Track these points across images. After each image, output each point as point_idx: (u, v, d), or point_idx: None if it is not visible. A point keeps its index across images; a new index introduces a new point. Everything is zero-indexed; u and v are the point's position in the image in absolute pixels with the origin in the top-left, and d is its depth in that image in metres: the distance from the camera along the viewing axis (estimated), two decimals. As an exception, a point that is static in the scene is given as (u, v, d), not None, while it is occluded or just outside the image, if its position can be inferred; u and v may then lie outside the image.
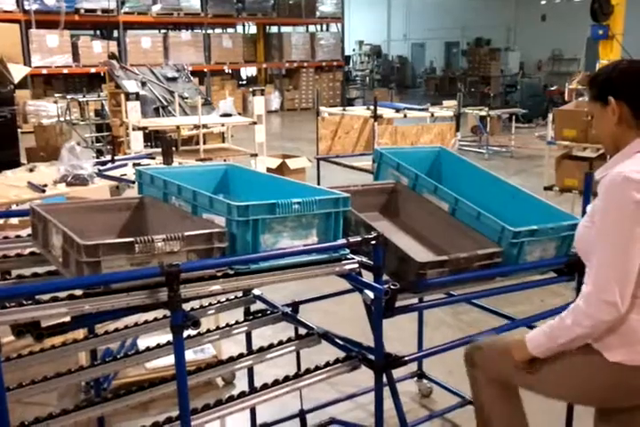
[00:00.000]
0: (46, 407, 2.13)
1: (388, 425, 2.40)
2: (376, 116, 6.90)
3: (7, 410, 1.65)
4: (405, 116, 7.46)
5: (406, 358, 2.29)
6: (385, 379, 2.27)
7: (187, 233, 1.85)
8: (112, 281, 1.73)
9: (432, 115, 7.77)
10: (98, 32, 19.19)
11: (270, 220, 1.96)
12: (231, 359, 2.34)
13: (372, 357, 2.28)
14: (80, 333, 2.85)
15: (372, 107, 7.18)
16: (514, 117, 12.23)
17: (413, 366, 3.61)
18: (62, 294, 1.74)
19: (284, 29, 20.07)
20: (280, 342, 2.45)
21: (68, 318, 1.83)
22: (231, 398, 2.10)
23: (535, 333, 1.98)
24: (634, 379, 1.86)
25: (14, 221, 3.80)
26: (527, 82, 17.05)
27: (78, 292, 1.77)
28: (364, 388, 3.33)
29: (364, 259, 2.15)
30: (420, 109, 7.99)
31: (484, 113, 11.76)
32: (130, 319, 2.53)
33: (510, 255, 2.29)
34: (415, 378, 3.62)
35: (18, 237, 2.34)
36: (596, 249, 1.81)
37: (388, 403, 2.37)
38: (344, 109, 8.40)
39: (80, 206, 2.31)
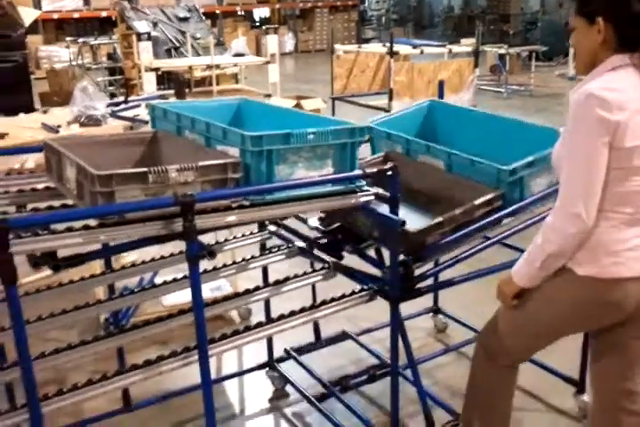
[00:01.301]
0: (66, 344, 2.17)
1: (403, 360, 2.43)
2: (392, 53, 6.74)
3: (27, 342, 1.67)
4: (422, 52, 7.29)
5: (422, 289, 2.29)
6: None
7: (201, 163, 1.83)
8: (126, 211, 1.72)
9: (450, 51, 7.58)
10: (107, -27, 18.74)
11: (285, 150, 1.93)
12: (247, 292, 2.36)
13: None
14: (97, 268, 2.90)
15: (388, 44, 7.01)
16: (534, 56, 11.92)
17: (429, 302, 3.64)
18: (77, 225, 1.75)
19: (298, -33, 19.47)
20: (296, 276, 2.47)
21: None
22: (248, 329, 2.12)
23: (517, 263, 2.00)
24: (605, 292, 1.88)
25: (31, 164, 3.81)
26: (548, 19, 16.53)
27: (93, 223, 1.77)
28: (380, 322, 3.37)
29: (381, 190, 2.13)
30: (437, 46, 7.80)
31: (503, 51, 11.46)
32: (147, 256, 2.56)
33: (514, 193, 2.25)
34: (431, 314, 3.66)
35: (32, 172, 2.34)
36: (564, 165, 1.84)
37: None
38: (359, 47, 8.21)
39: (94, 141, 2.29)
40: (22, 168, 3.93)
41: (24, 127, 4.06)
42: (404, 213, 2.32)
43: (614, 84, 1.78)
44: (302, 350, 3.20)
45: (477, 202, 2.23)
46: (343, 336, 3.33)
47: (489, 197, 2.25)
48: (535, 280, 1.96)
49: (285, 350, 3.18)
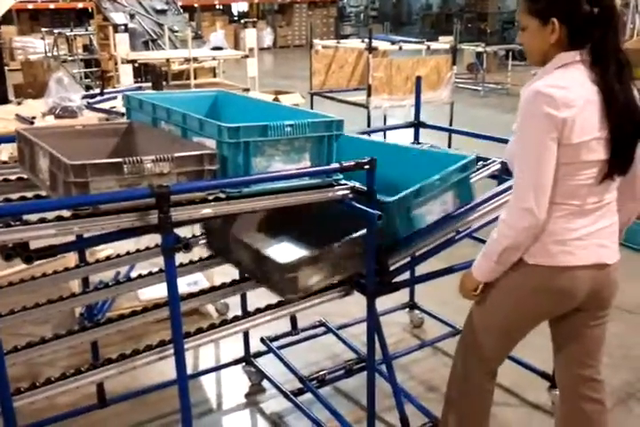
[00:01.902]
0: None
1: (379, 355, 2.43)
2: (371, 49, 6.73)
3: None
4: (401, 48, 7.30)
5: (398, 284, 2.29)
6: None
7: (177, 154, 1.81)
8: (101, 201, 1.69)
9: (428, 48, 7.60)
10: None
11: (262, 142, 1.91)
12: (223, 286, 2.34)
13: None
14: (72, 262, 2.86)
15: (366, 40, 7.01)
16: (510, 55, 12.00)
17: (405, 298, 3.65)
18: (51, 216, 1.71)
19: (277, -38, 19.41)
20: (273, 270, 2.45)
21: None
22: (224, 322, 2.10)
23: (477, 258, 2.03)
24: (555, 280, 1.92)
25: (4, 157, 3.74)
26: (525, 18, 16.63)
27: (67, 214, 1.74)
28: (355, 318, 3.37)
29: (357, 184, 2.12)
30: (415, 42, 7.82)
31: (480, 49, 11.53)
32: (122, 250, 2.53)
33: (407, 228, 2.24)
34: (407, 309, 3.67)
35: (5, 163, 2.29)
36: (515, 161, 1.87)
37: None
38: (338, 42, 8.20)
39: (67, 131, 2.25)
40: (-5, 160, 3.88)
41: (-2, 118, 3.98)
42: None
43: (562, 81, 1.81)
44: (279, 338, 3.20)
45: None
46: (320, 326, 3.33)
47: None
48: (493, 274, 1.99)
49: (262, 340, 3.17)
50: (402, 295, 3.57)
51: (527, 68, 13.54)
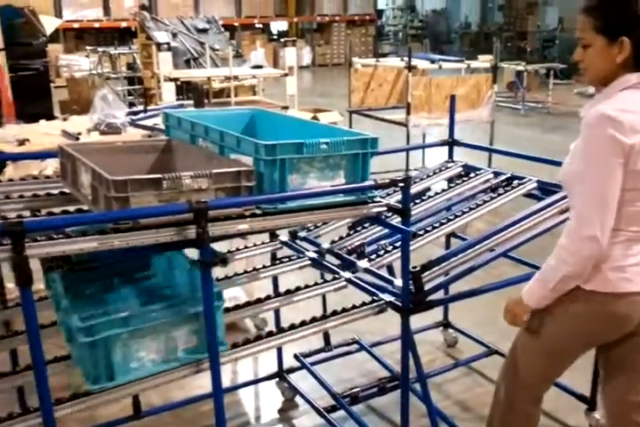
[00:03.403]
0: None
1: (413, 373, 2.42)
2: (410, 67, 6.75)
3: (41, 346, 1.68)
4: (440, 67, 7.30)
5: (432, 302, 2.28)
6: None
7: (215, 171, 1.85)
8: (141, 216, 1.73)
9: (468, 66, 7.59)
10: (128, -15, 18.99)
11: (298, 159, 1.94)
12: (259, 301, 2.36)
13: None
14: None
15: (405, 58, 7.03)
16: (552, 73, 11.90)
17: (439, 316, 3.62)
18: (92, 230, 1.76)
19: (316, -18, 19.65)
20: (307, 286, 2.47)
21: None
22: (259, 338, 2.12)
23: (529, 283, 1.98)
24: (612, 306, 1.88)
25: (49, 171, 3.85)
26: (566, 37, 16.52)
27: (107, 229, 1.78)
28: (389, 336, 3.36)
29: (392, 201, 2.14)
30: (455, 61, 7.81)
31: (520, 67, 11.46)
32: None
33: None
34: (441, 328, 3.64)
35: (47, 177, 2.36)
36: (577, 186, 1.82)
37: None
38: (377, 61, 8.24)
39: (108, 147, 2.31)
40: (40, 175, 3.99)
41: (45, 134, 4.12)
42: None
43: (628, 104, 1.76)
44: (312, 355, 3.20)
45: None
46: (353, 344, 3.32)
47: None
48: (546, 301, 1.94)
49: (295, 356, 3.18)
50: (436, 314, 3.55)
51: (569, 87, 13.43)
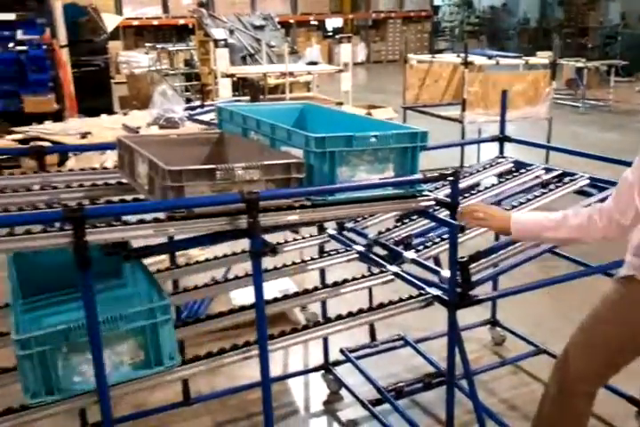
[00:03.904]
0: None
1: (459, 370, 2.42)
2: (467, 63, 6.70)
3: (98, 327, 1.76)
4: (498, 63, 7.22)
5: (480, 297, 2.28)
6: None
7: (266, 162, 1.89)
8: (195, 205, 1.80)
9: (526, 63, 7.48)
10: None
11: (347, 152, 1.97)
12: (306, 292, 2.41)
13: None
14: (164, 264, 3.00)
15: (462, 54, 6.98)
16: (613, 70, 11.60)
17: (486, 314, 3.60)
18: (148, 218, 1.83)
19: (372, -21, 19.61)
20: (354, 278, 2.50)
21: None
22: (306, 327, 2.16)
23: (529, 216, 2.08)
24: None
25: (109, 164, 3.99)
26: (629, 33, 16.05)
27: (162, 217, 1.85)
28: (435, 332, 3.36)
29: (441, 195, 2.14)
30: (513, 57, 7.71)
31: (580, 64, 11.21)
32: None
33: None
34: (488, 326, 3.62)
35: (105, 168, 2.45)
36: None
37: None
38: (433, 57, 8.20)
39: (163, 139, 2.39)
40: (100, 167, 4.13)
41: (106, 128, 4.26)
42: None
43: None
44: (357, 350, 3.23)
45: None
46: (399, 340, 3.34)
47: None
48: (527, 239, 2.09)
49: (341, 350, 3.21)
50: (483, 312, 3.53)
51: (631, 85, 13.07)
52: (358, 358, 3.21)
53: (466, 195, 2.74)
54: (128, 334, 1.82)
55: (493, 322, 3.60)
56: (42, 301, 2.20)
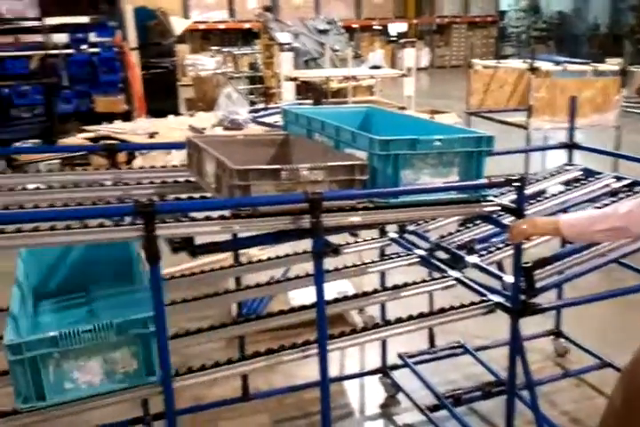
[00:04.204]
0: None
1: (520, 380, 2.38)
2: (533, 69, 6.57)
3: (164, 317, 1.81)
4: (565, 69, 7.06)
5: (544, 306, 2.24)
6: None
7: (330, 164, 1.91)
8: (261, 203, 1.83)
9: (595, 69, 7.28)
10: (253, -12, 19.59)
11: (411, 155, 1.97)
12: (366, 294, 2.41)
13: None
14: (227, 262, 3.05)
15: (528, 60, 6.86)
16: (687, 78, 11.18)
17: (550, 324, 3.52)
18: (214, 215, 1.87)
19: (438, -17, 19.49)
20: (415, 282, 2.48)
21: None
22: (365, 329, 2.17)
23: (578, 215, 2.06)
24: None
25: (175, 162, 4.10)
26: None
27: (228, 214, 1.89)
28: (496, 340, 3.31)
29: (506, 201, 2.12)
30: (581, 63, 7.52)
31: (653, 71, 10.86)
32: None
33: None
34: (552, 336, 3.54)
35: (174, 166, 2.52)
36: None
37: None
38: (498, 62, 8.08)
39: (230, 140, 2.44)
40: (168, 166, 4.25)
41: (173, 128, 4.39)
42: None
43: None
44: (416, 356, 3.21)
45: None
46: (458, 348, 3.30)
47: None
48: (581, 237, 2.01)
49: (399, 355, 3.19)
50: (544, 322, 3.45)
51: None
52: (416, 363, 3.19)
53: (531, 201, 2.69)
54: (120, 342, 1.79)
55: (557, 333, 3.52)
56: (49, 305, 2.23)
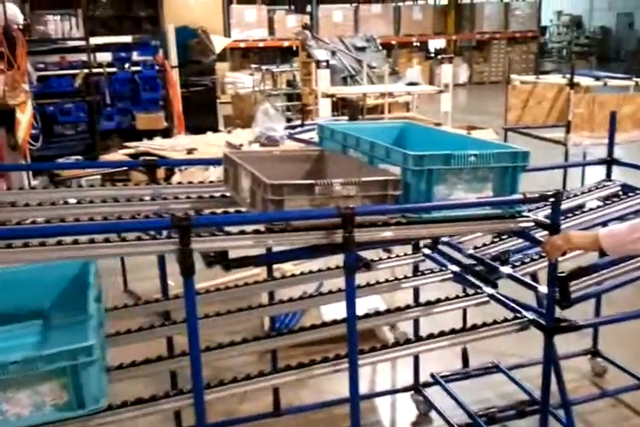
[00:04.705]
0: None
1: (554, 399, 2.35)
2: (572, 84, 6.51)
3: (197, 331, 1.84)
4: (605, 84, 6.97)
5: (579, 323, 2.21)
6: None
7: (363, 179, 1.93)
8: (294, 218, 1.86)
9: (637, 84, 7.17)
10: (292, 7, 19.85)
11: (445, 171, 1.98)
12: (399, 309, 2.41)
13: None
14: (261, 277, 3.09)
15: (567, 75, 6.80)
16: None
17: (588, 343, 3.46)
18: (249, 229, 1.90)
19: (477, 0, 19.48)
20: (447, 298, 2.48)
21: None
22: (396, 344, 2.17)
23: (617, 226, 2.00)
24: None
25: (213, 177, 4.17)
26: None
27: (262, 229, 1.92)
28: (531, 359, 3.26)
29: (541, 216, 2.10)
30: (622, 78, 7.42)
31: (695, 87, 10.65)
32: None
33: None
34: (589, 356, 3.47)
35: (211, 182, 2.57)
36: None
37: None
38: (537, 78, 8.02)
39: (266, 155, 2.48)
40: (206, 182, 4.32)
41: (211, 144, 4.46)
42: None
43: None
44: (449, 376, 3.18)
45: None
46: (492, 368, 3.26)
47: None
48: (620, 248, 1.95)
49: (432, 375, 3.17)
50: (580, 340, 3.39)
51: None
52: (449, 381, 3.16)
53: (569, 215, 2.65)
54: (49, 374, 1.72)
55: (594, 352, 3.45)
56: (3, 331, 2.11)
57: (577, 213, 2.72)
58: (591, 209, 2.74)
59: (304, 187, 1.89)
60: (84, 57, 7.41)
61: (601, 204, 2.82)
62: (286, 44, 15.95)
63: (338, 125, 2.63)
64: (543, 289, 2.15)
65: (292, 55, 13.78)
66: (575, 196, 2.92)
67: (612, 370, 3.36)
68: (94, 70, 7.39)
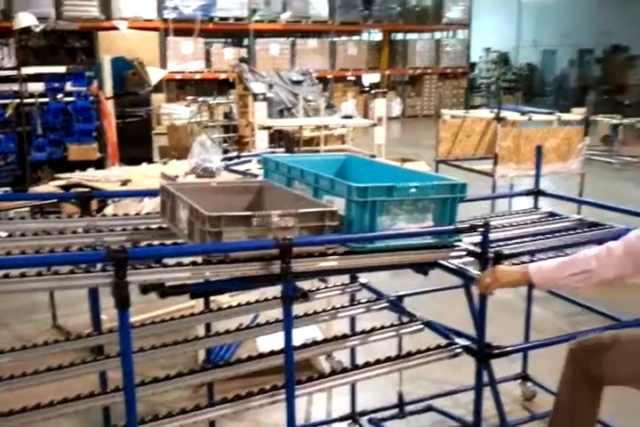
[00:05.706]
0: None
1: (487, 424, 2.40)
2: (499, 118, 6.79)
3: (132, 364, 1.82)
4: (530, 119, 7.30)
5: (509, 349, 2.28)
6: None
7: (300, 210, 1.97)
8: (232, 249, 1.87)
9: (559, 119, 7.54)
10: (229, 40, 20.04)
11: (388, 202, 2.04)
12: (335, 339, 2.43)
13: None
14: (197, 309, 3.06)
15: (495, 109, 7.09)
16: (648, 127, 11.59)
17: (517, 368, 3.55)
18: (186, 261, 1.90)
19: (410, 36, 20.10)
20: (383, 327, 2.52)
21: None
22: (333, 373, 2.18)
23: (546, 262, 2.09)
24: None
25: (148, 209, 4.12)
26: (666, 91, 16.10)
27: (199, 260, 1.92)
28: (464, 385, 3.32)
29: (472, 247, 2.18)
30: (546, 113, 7.79)
31: (616, 121, 11.25)
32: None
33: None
34: (519, 380, 3.56)
35: (147, 213, 2.56)
36: None
37: (489, 404, 2.38)
38: (467, 112, 8.33)
39: (204, 187, 2.49)
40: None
41: (146, 175, 4.42)
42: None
43: None
44: (387, 420, 3.19)
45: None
46: (428, 409, 3.28)
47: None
48: (550, 283, 2.06)
49: (369, 420, 3.17)
50: (510, 366, 3.48)
51: (667, 142, 12.98)
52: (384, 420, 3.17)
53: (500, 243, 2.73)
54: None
55: (524, 376, 3.55)
56: None
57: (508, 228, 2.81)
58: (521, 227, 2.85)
59: (242, 218, 1.91)
60: (15, 87, 7.27)
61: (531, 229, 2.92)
62: (223, 76, 16.03)
63: (282, 158, 2.68)
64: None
65: (228, 87, 13.85)
66: (504, 215, 3.03)
67: (541, 393, 3.46)
68: (26, 100, 7.26)
